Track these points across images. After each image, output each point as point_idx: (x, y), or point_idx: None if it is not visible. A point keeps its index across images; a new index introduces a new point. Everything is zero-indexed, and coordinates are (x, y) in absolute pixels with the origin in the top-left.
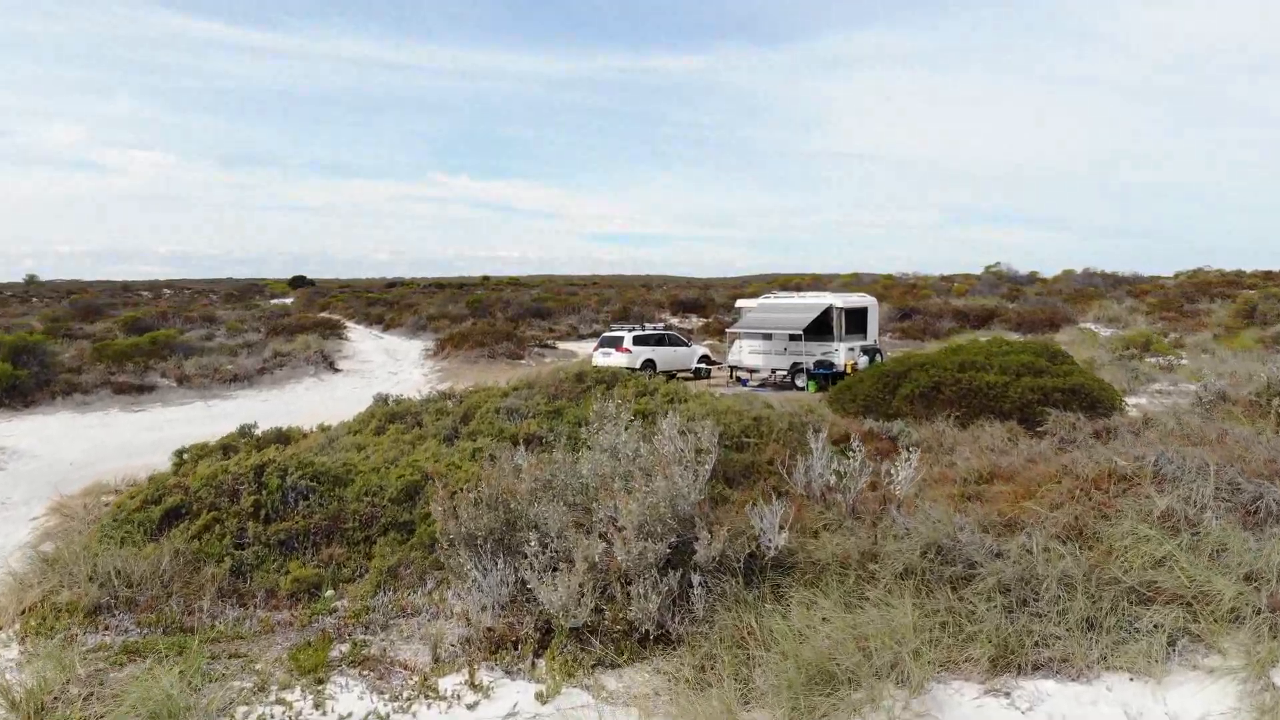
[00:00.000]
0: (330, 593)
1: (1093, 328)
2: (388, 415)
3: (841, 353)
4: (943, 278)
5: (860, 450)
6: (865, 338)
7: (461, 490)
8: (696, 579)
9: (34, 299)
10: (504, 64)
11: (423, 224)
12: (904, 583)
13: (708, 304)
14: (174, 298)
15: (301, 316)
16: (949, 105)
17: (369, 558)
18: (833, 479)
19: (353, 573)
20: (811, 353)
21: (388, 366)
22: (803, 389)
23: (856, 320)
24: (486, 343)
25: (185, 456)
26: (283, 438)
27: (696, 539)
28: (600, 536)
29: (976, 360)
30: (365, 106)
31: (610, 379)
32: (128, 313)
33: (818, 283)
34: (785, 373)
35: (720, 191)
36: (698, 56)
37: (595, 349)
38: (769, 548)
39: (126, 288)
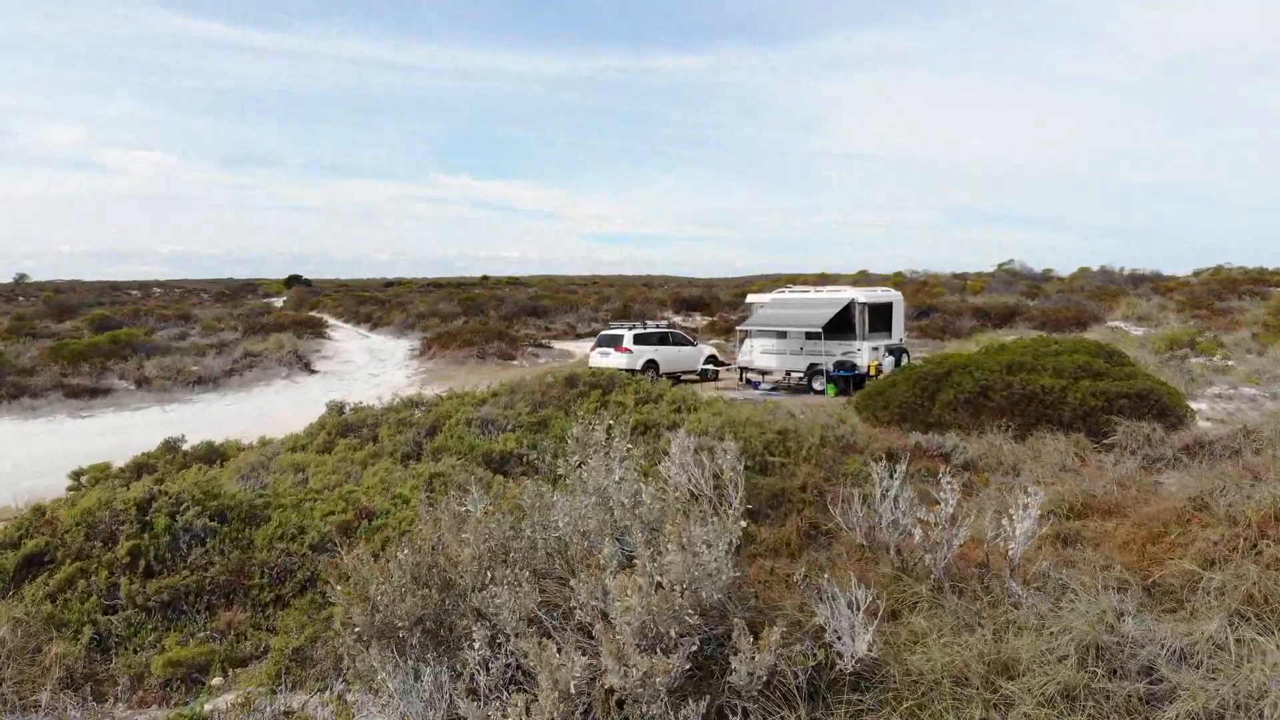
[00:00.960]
0: (218, 680)
1: (1123, 326)
2: (340, 427)
3: (865, 353)
4: (955, 275)
5: (954, 490)
6: (890, 336)
7: (384, 551)
8: (735, 717)
9: (20, 298)
10: (504, 64)
11: (423, 224)
12: (1055, 710)
13: (711, 302)
14: (163, 296)
15: (280, 315)
16: (949, 105)
17: (274, 631)
18: (917, 532)
19: (254, 648)
20: (831, 353)
21: (369, 367)
22: (821, 393)
23: (881, 317)
24: (476, 342)
25: (83, 480)
26: (215, 454)
27: (732, 647)
28: (581, 630)
29: (1025, 361)
30: (365, 106)
31: (607, 383)
32: (96, 311)
33: (824, 281)
34: (801, 375)
35: (720, 192)
36: (698, 56)
37: (592, 348)
38: (844, 655)
39: (115, 287)
